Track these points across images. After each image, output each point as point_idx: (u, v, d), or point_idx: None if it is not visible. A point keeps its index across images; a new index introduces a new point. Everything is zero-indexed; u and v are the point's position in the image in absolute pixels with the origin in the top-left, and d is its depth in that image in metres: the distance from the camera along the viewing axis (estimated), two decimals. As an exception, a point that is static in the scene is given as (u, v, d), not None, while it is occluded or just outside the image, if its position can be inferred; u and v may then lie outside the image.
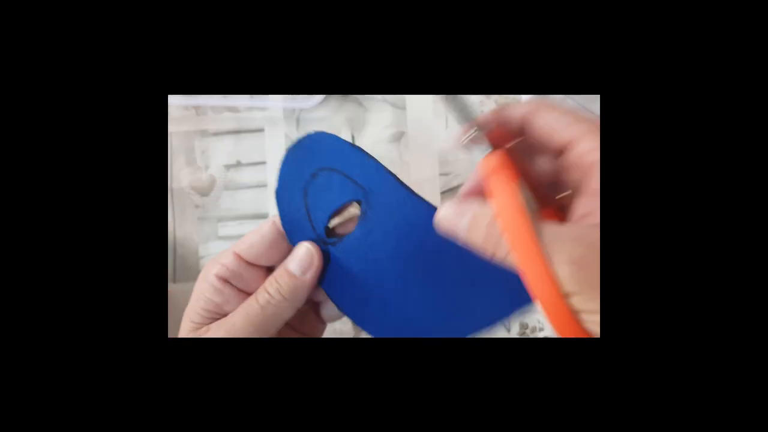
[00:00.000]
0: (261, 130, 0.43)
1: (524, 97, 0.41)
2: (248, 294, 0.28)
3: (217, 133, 0.43)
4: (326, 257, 0.27)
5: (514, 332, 0.42)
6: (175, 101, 0.42)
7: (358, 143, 0.43)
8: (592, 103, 0.40)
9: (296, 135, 0.43)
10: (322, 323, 0.31)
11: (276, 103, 0.43)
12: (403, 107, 0.43)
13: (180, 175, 0.43)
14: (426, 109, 0.43)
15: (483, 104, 0.43)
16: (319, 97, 0.42)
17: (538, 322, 0.42)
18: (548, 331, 0.42)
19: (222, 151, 0.43)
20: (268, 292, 0.26)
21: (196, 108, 0.43)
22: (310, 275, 0.27)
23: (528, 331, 0.42)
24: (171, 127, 0.43)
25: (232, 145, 0.43)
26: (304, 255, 0.27)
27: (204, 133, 0.43)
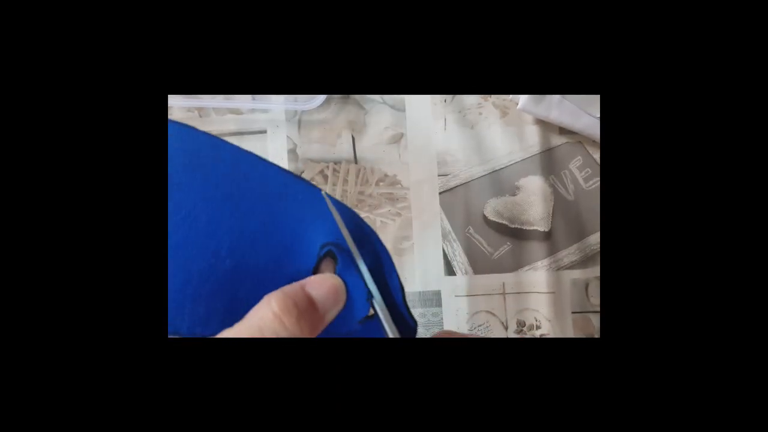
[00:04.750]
0: (263, 131, 0.43)
1: (522, 97, 0.41)
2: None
3: (219, 135, 0.43)
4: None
5: (511, 329, 0.42)
6: (178, 103, 0.42)
7: (358, 145, 0.43)
8: (592, 103, 0.40)
9: (297, 137, 0.43)
10: None
11: (278, 105, 0.43)
12: (402, 109, 0.43)
13: (180, 175, 0.43)
14: (425, 111, 0.44)
15: (481, 106, 0.43)
16: (319, 100, 0.42)
17: (536, 320, 0.42)
18: (545, 329, 0.42)
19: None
20: (284, 323, 0.20)
21: (199, 110, 0.43)
22: (332, 315, 0.22)
23: (525, 329, 0.42)
24: (173, 128, 0.43)
25: (233, 146, 0.43)
26: (332, 290, 0.21)
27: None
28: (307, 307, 0.21)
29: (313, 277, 0.22)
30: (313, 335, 0.21)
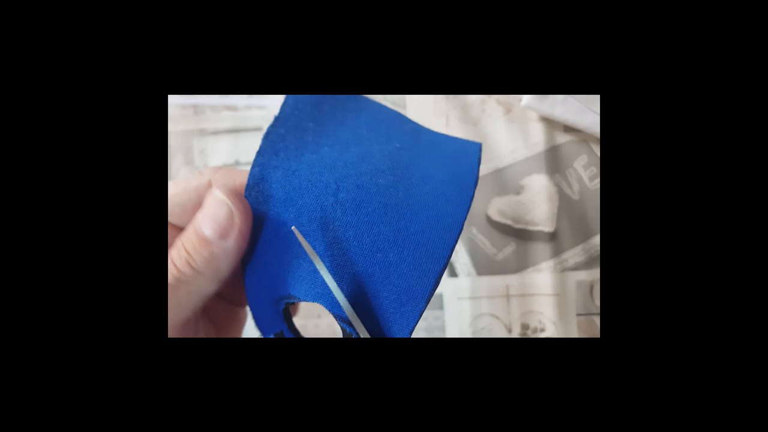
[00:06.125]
0: (259, 128, 0.43)
1: (525, 97, 0.41)
2: None
3: (215, 132, 0.43)
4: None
5: (515, 332, 0.42)
6: (173, 100, 0.42)
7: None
8: (596, 101, 0.40)
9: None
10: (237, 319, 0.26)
11: (274, 101, 0.43)
12: (403, 106, 0.43)
13: (178, 174, 0.43)
14: (426, 109, 0.43)
15: (484, 103, 0.43)
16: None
17: (539, 323, 0.42)
18: (550, 332, 0.42)
19: (220, 150, 0.43)
20: (176, 267, 0.21)
21: (195, 107, 0.43)
22: (232, 240, 0.21)
23: (529, 332, 0.42)
24: (169, 126, 0.43)
25: (231, 144, 0.43)
26: (222, 215, 0.21)
27: (202, 132, 0.43)
28: (199, 246, 0.21)
29: (204, 212, 0.21)
30: (221, 266, 0.21)
